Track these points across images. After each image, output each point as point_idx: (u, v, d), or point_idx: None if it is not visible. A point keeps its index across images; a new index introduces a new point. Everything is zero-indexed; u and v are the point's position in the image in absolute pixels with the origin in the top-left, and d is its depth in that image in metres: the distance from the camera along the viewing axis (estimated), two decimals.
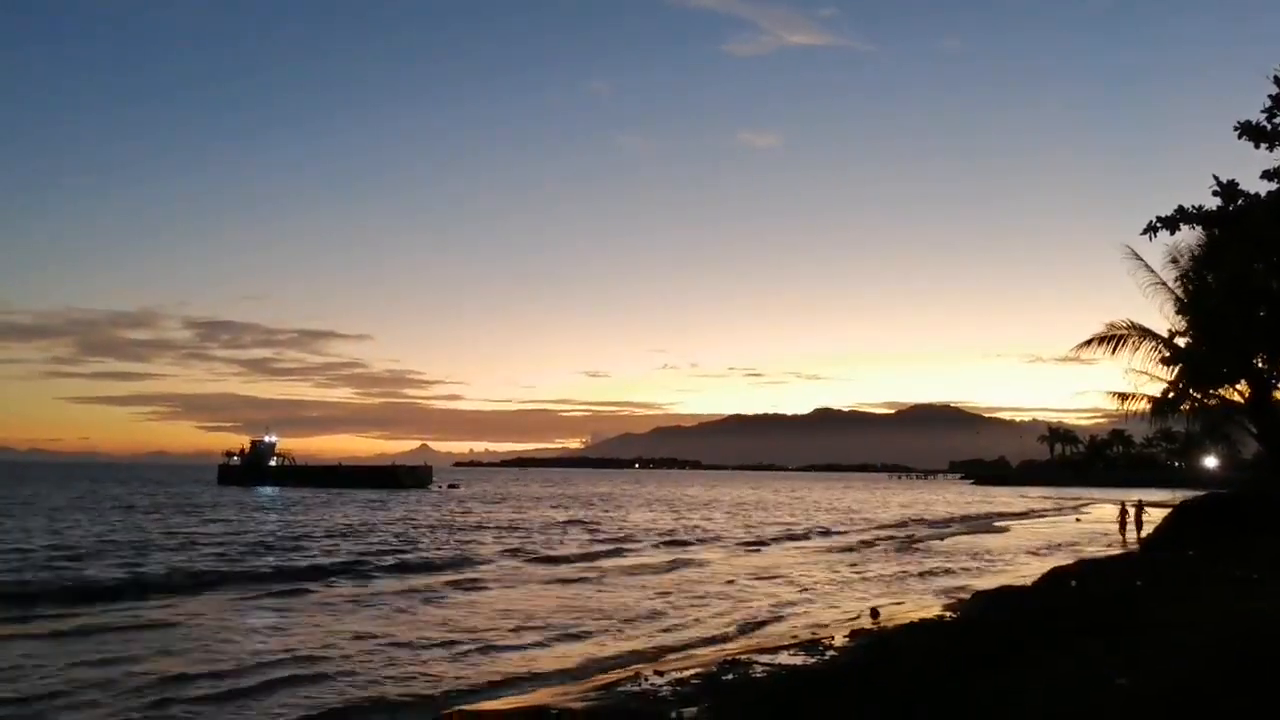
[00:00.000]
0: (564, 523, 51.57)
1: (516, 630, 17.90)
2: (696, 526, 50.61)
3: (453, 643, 16.52)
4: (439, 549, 34.70)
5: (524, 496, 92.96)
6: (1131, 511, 39.68)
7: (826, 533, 47.81)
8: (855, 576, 27.55)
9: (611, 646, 16.48)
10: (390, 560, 30.19)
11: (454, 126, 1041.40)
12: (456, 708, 11.28)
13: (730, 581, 26.10)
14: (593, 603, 21.87)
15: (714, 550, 36.67)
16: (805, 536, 45.08)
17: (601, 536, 42.41)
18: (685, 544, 39.37)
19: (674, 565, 30.76)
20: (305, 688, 13.04)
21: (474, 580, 26.01)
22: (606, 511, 65.00)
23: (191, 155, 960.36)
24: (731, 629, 18.29)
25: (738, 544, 39.95)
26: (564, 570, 29.14)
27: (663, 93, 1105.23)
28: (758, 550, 37.41)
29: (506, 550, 34.67)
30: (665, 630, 18.27)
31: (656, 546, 37.84)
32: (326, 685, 13.21)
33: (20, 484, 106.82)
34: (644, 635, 17.72)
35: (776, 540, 42.27)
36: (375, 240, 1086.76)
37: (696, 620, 19.38)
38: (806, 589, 24.52)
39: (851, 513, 68.45)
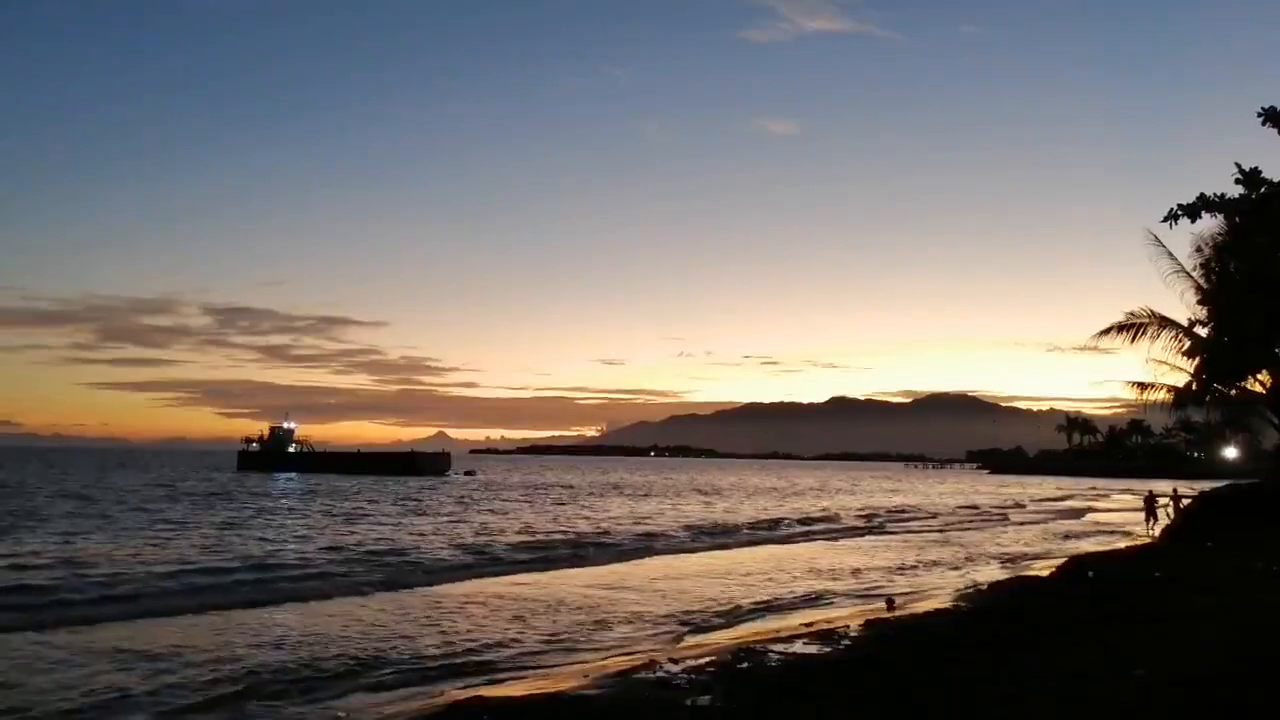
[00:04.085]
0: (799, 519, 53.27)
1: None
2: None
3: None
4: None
5: (608, 486, 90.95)
6: (1166, 501, 38.41)
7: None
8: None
9: None
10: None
11: (471, 114, 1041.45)
12: (473, 693, 11.37)
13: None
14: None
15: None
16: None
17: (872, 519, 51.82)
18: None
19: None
20: None
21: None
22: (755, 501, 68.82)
23: (211, 144, 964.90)
24: None
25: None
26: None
27: (680, 79, 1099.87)
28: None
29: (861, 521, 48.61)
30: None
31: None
32: None
33: (76, 472, 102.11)
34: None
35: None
36: (392, 227, 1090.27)
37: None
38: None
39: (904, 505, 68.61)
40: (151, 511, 43.70)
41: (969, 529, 45.17)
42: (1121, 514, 53.51)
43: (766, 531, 41.61)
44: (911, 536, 39.87)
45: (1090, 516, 54.11)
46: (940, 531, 43.08)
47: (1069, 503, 70.95)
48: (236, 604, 19.02)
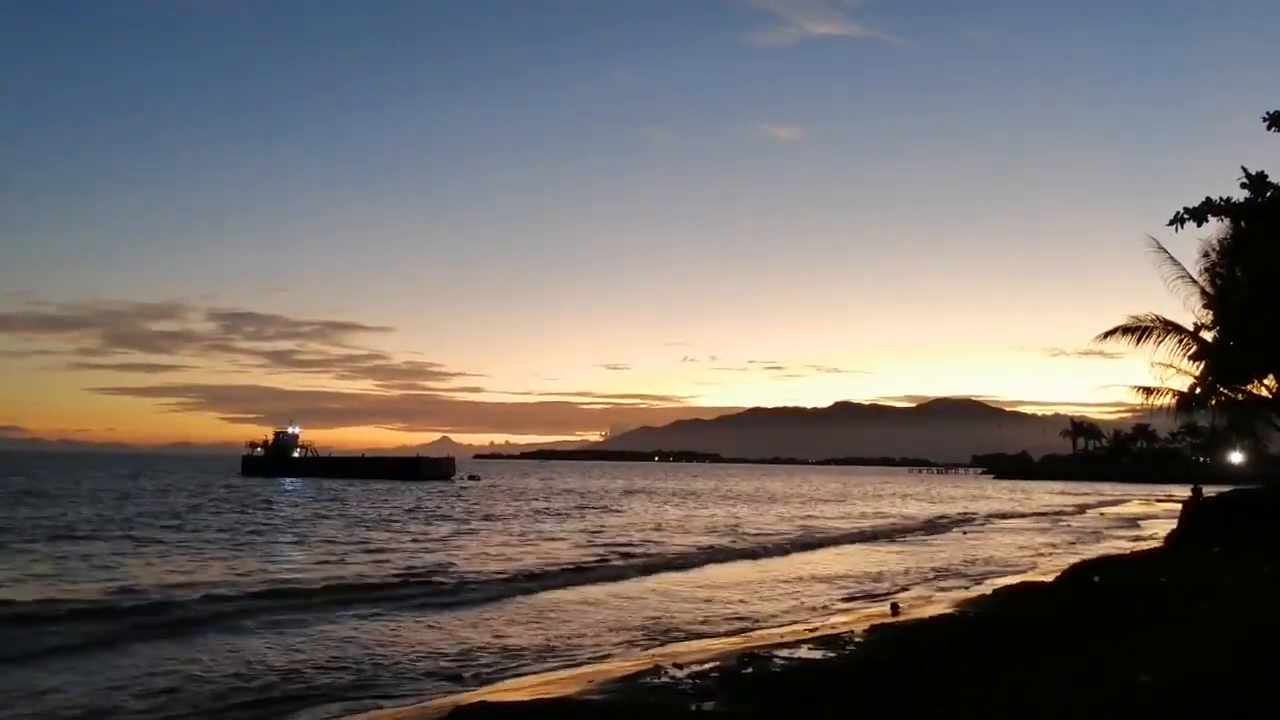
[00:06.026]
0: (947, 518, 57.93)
1: None
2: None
3: None
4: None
5: (650, 491, 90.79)
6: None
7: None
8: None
9: None
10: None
11: (475, 119, 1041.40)
12: (478, 699, 11.36)
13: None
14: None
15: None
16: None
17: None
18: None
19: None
20: None
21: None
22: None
23: (216, 149, 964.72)
24: None
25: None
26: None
27: (684, 84, 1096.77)
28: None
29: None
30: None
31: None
32: None
33: (95, 478, 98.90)
34: None
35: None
36: (397, 233, 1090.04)
37: None
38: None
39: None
40: (207, 522, 42.26)
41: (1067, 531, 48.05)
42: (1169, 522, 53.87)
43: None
44: (1015, 536, 43.52)
45: (1146, 524, 54.46)
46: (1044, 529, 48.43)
47: (1118, 509, 71.08)
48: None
